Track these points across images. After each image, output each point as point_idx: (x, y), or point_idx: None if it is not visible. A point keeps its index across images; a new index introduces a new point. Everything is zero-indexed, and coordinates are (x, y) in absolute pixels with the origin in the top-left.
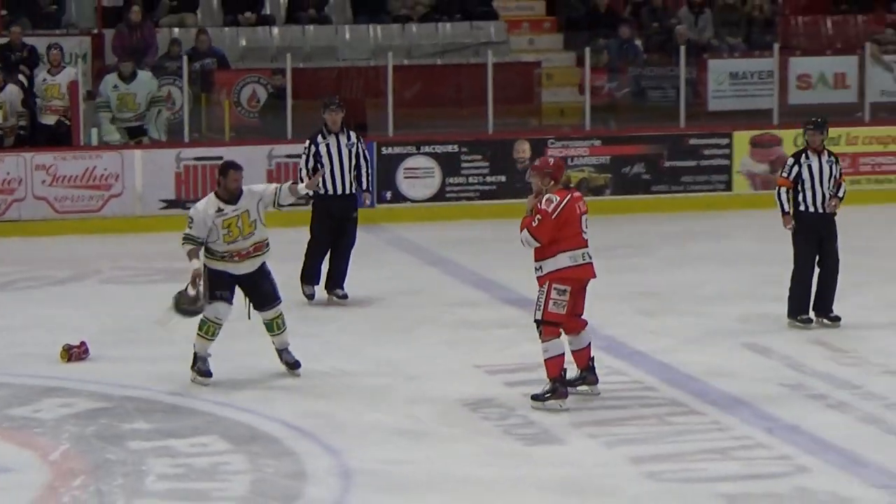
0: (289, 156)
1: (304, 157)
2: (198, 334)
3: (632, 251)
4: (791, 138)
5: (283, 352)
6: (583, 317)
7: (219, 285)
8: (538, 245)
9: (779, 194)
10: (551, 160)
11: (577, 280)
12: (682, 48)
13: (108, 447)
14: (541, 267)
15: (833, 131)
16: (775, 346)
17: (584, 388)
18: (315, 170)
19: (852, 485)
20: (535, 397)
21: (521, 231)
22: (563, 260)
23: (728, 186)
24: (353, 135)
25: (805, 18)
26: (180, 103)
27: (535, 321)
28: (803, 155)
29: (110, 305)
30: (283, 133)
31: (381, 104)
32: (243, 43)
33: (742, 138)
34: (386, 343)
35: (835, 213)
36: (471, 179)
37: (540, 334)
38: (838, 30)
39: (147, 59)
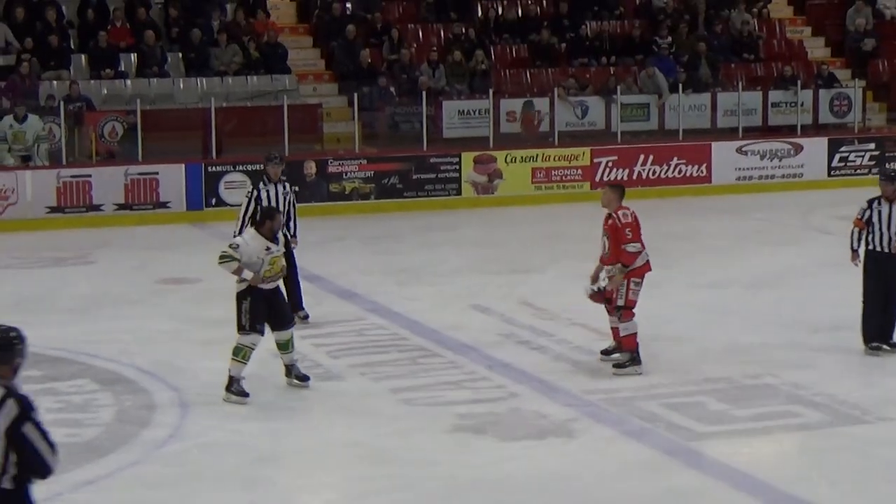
0: (140, 174)
1: (246, 201)
2: (234, 359)
3: (391, 240)
4: (503, 157)
5: (292, 367)
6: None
7: (258, 318)
8: (641, 249)
9: (851, 233)
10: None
11: (645, 274)
12: (424, 93)
13: None
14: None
15: (532, 152)
16: (493, 307)
17: (617, 355)
18: (254, 214)
19: (549, 405)
20: (617, 366)
21: (623, 249)
22: (638, 260)
23: (458, 192)
24: (287, 186)
25: (511, 70)
26: (59, 136)
27: (618, 307)
28: (876, 201)
29: (9, 284)
30: (136, 157)
31: (207, 136)
32: (105, 91)
33: (468, 157)
34: (214, 307)
35: None
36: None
37: (620, 317)
38: (535, 79)
39: (31, 101)
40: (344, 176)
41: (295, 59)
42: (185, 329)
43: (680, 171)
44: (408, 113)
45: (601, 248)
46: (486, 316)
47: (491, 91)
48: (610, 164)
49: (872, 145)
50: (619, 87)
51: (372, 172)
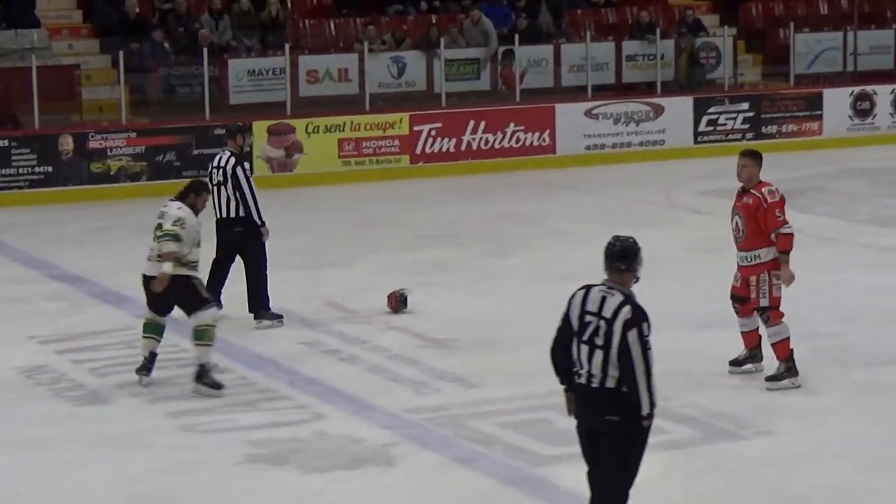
0: None
1: (246, 179)
2: (201, 344)
3: None
4: (302, 127)
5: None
6: None
7: (209, 289)
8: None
9: None
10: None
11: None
12: (205, 49)
13: None
14: (758, 255)
15: (338, 119)
16: (294, 309)
17: (749, 366)
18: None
19: (362, 427)
20: (770, 378)
21: (779, 233)
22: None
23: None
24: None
25: (312, 21)
26: None
27: (762, 308)
28: None
29: None
30: None
31: None
32: None
33: (260, 127)
34: None
35: None
36: (20, 170)
37: (767, 320)
38: (341, 30)
39: None
40: (108, 153)
41: (45, 9)
42: None
43: (518, 140)
44: (186, 74)
45: (734, 230)
46: (286, 319)
47: (287, 46)
48: (433, 133)
49: (746, 105)
50: (442, 40)
51: (143, 148)
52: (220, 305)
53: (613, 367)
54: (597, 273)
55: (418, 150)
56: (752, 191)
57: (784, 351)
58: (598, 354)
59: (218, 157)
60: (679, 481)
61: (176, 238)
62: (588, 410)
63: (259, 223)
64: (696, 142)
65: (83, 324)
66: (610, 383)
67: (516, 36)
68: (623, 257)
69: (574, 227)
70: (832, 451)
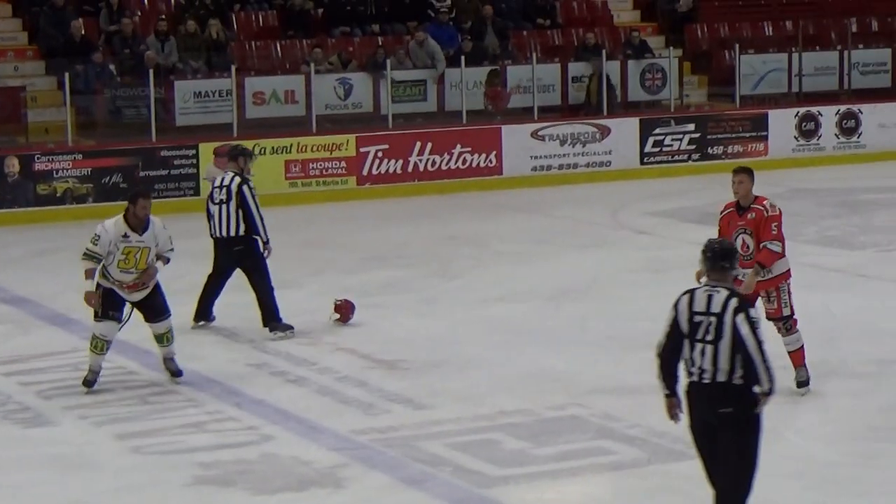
0: None
1: (253, 198)
2: (89, 350)
3: None
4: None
5: (168, 360)
6: None
7: (111, 305)
8: (783, 250)
9: None
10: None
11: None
12: (151, 71)
13: None
14: (770, 270)
15: (285, 141)
16: (241, 331)
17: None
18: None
19: (311, 449)
20: (802, 384)
21: (764, 247)
22: (788, 261)
23: (196, 192)
24: None
25: (258, 43)
26: None
27: (784, 317)
28: None
29: None
30: None
31: None
32: None
33: (207, 149)
34: None
35: None
36: None
37: (789, 329)
38: (286, 52)
39: None
40: (55, 175)
41: None
42: None
43: (465, 162)
44: (132, 96)
45: (741, 248)
46: (232, 342)
47: (233, 68)
48: (380, 155)
49: (692, 126)
50: (388, 61)
51: (89, 170)
52: (211, 318)
53: (724, 360)
54: (545, 293)
55: (365, 172)
56: (753, 206)
57: (802, 357)
58: (709, 350)
59: (221, 178)
60: (630, 502)
61: (89, 256)
62: (701, 406)
63: (265, 240)
64: (642, 163)
65: (30, 346)
66: (721, 377)
67: (462, 57)
68: (726, 256)
69: (521, 249)
70: (781, 470)
